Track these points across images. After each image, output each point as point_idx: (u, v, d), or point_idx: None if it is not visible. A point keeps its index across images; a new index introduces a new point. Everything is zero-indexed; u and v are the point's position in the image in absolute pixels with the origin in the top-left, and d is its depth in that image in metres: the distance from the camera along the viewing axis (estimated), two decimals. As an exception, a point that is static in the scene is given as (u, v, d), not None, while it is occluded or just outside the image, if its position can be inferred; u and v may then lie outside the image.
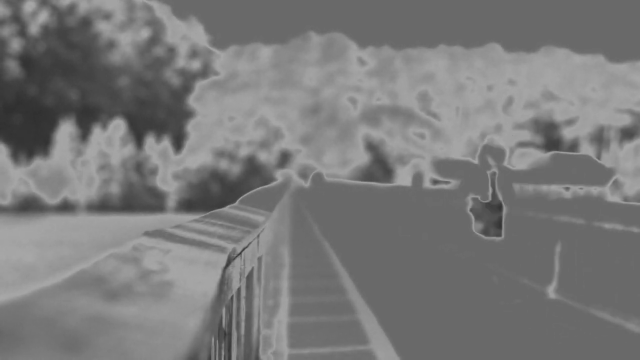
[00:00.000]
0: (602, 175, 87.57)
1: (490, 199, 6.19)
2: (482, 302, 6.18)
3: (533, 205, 7.87)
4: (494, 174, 6.26)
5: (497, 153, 6.36)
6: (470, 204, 6.35)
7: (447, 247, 10.82)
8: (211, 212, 2.12)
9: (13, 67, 65.00)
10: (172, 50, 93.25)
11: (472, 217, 6.37)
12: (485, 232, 6.28)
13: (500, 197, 6.23)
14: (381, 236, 14.00)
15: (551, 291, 6.84)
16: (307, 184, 75.88)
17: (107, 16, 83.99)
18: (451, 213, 10.68)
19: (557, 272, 6.83)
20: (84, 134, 58.53)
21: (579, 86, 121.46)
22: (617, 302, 5.75)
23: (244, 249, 1.84)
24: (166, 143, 63.29)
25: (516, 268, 7.79)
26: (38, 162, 54.91)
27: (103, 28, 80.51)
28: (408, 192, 17.22)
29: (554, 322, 5.49)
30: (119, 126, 59.21)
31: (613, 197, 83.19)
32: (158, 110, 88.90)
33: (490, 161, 6.27)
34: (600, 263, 6.10)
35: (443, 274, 8.16)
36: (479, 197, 6.24)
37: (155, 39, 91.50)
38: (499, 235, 6.28)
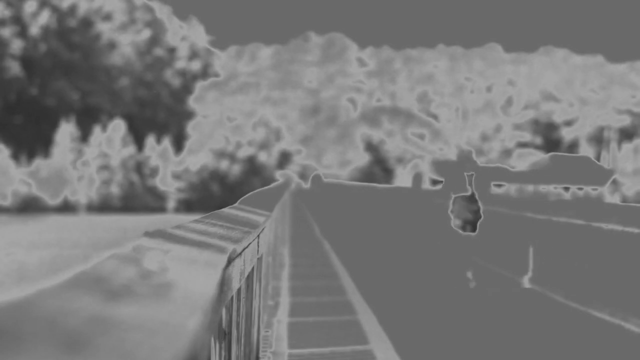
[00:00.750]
0: (601, 176, 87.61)
1: (469, 194, 7.25)
2: (460, 292, 6.91)
3: (504, 202, 8.76)
4: (471, 175, 7.30)
5: (469, 157, 7.54)
6: (450, 205, 7.38)
7: (433, 242, 11.95)
8: (211, 212, 2.14)
9: (14, 68, 65.05)
10: (172, 51, 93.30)
11: (452, 216, 7.34)
12: (463, 228, 7.27)
13: (477, 195, 7.31)
14: (375, 233, 14.65)
15: (526, 281, 7.59)
16: (307, 185, 75.90)
17: (107, 17, 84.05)
18: (436, 211, 11.56)
19: (530, 264, 7.62)
20: (85, 134, 58.56)
21: (578, 87, 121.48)
22: (583, 292, 6.39)
23: (244, 250, 1.86)
24: (166, 143, 63.32)
25: (492, 259, 8.52)
26: (39, 162, 54.94)
27: (103, 29, 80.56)
28: (403, 193, 17.93)
29: (528, 309, 6.08)
30: (119, 127, 59.23)
31: (612, 198, 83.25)
32: (158, 111, 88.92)
33: (469, 165, 7.30)
34: (566, 254, 6.74)
35: (428, 266, 8.94)
36: (459, 194, 7.26)
37: (155, 40, 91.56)
38: (474, 231, 7.29)
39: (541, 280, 7.25)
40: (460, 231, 7.31)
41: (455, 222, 7.33)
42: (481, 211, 7.32)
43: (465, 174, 7.32)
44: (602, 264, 6.11)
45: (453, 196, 7.36)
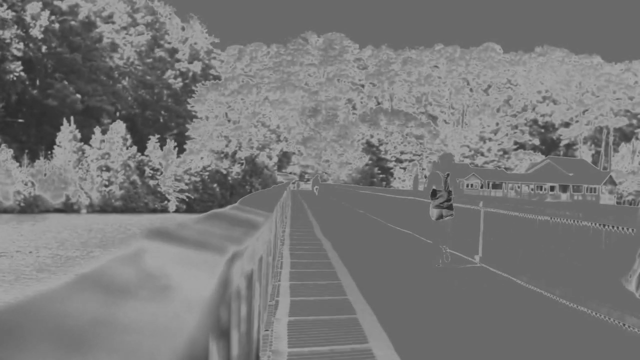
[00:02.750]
0: (597, 177, 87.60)
1: (445, 191, 8.91)
2: (433, 269, 8.95)
3: (468, 199, 10.99)
4: (447, 175, 8.93)
5: (450, 161, 9.29)
6: (431, 199, 9.04)
7: (414, 231, 14.60)
8: (211, 212, 2.16)
9: (16, 69, 65.11)
10: (173, 52, 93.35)
11: (431, 207, 9.09)
12: (439, 218, 9.00)
13: (452, 191, 8.99)
14: (367, 228, 15.84)
15: (477, 260, 9.82)
16: (306, 185, 75.94)
17: (109, 18, 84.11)
18: (419, 207, 13.97)
19: (481, 247, 9.79)
20: (86, 135, 58.61)
21: (576, 88, 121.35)
22: (514, 267, 8.48)
23: (244, 250, 1.89)
24: (167, 144, 63.37)
25: (455, 245, 10.58)
26: (40, 163, 55.00)
27: (105, 30, 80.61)
28: (397, 193, 19.78)
29: (479, 282, 8.01)
30: (120, 128, 59.28)
31: (609, 198, 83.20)
32: (159, 112, 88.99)
33: (445, 167, 8.98)
34: (513, 241, 8.68)
35: (408, 250, 11.30)
36: (437, 190, 8.94)
37: (156, 41, 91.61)
38: (449, 215, 8.96)
39: (486, 260, 9.54)
40: (437, 220, 9.00)
41: (433, 213, 8.99)
42: (452, 205, 9.03)
43: (442, 174, 8.93)
44: (531, 246, 8.03)
45: (434, 191, 9.03)
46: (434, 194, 8.97)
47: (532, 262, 7.93)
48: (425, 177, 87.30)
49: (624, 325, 5.48)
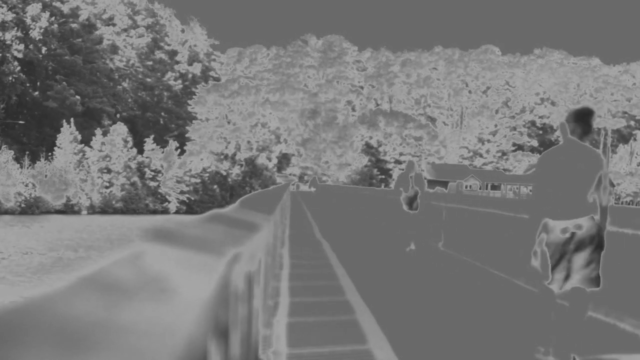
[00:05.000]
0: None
1: (411, 190, 10.91)
2: (403, 253, 10.88)
3: (433, 197, 13.24)
4: (413, 177, 10.96)
5: (412, 167, 11.12)
6: (402, 195, 11.01)
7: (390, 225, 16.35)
8: (211, 213, 2.18)
9: (16, 71, 65.13)
10: (173, 54, 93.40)
11: (403, 203, 11.02)
12: (408, 211, 10.99)
13: (418, 190, 10.96)
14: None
15: (440, 245, 12.00)
16: (306, 186, 75.92)
17: (109, 20, 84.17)
18: (393, 203, 15.43)
19: (443, 234, 12.10)
20: (86, 137, 58.62)
21: (574, 89, 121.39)
22: (467, 250, 10.58)
23: (243, 251, 1.92)
24: (167, 146, 63.39)
25: (425, 234, 12.62)
26: (41, 165, 55.02)
27: (105, 32, 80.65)
28: (382, 193, 21.60)
29: (442, 265, 9.70)
30: (120, 129, 59.29)
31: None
32: (159, 114, 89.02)
33: (411, 171, 10.95)
34: (469, 229, 10.73)
35: (383, 240, 13.10)
36: (405, 190, 10.95)
37: (157, 43, 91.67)
38: (416, 209, 11.04)
39: (448, 245, 11.71)
40: (407, 212, 10.98)
41: (404, 207, 11.02)
42: (419, 200, 11.07)
43: (409, 176, 10.93)
44: (480, 233, 9.98)
45: (403, 190, 11.05)
46: (401, 192, 11.12)
47: (481, 246, 9.97)
48: (425, 178, 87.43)
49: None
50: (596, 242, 4.04)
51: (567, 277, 4.08)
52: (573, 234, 4.03)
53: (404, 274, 8.51)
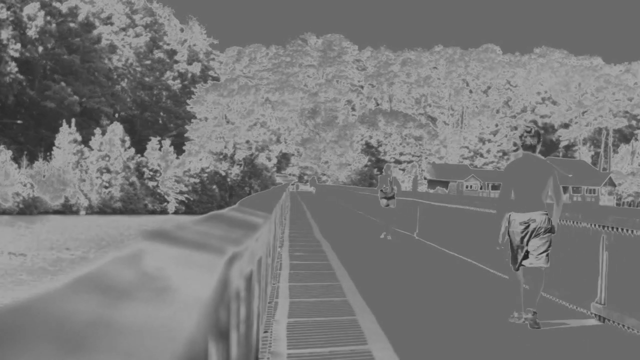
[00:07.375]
0: (596, 178, 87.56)
1: (389, 190, 13.05)
2: (380, 242, 12.82)
3: (408, 194, 15.96)
4: (390, 178, 13.14)
5: (391, 168, 13.50)
6: (380, 194, 13.15)
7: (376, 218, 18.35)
8: (210, 214, 2.15)
9: (13, 70, 65.04)
10: (172, 53, 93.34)
11: (381, 200, 13.16)
12: (386, 206, 13.13)
13: (395, 190, 13.15)
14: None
15: (415, 235, 14.08)
16: (305, 186, 75.91)
17: (107, 19, 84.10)
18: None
19: (418, 226, 14.11)
20: (85, 137, 58.57)
21: (575, 89, 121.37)
22: (437, 238, 12.35)
23: (243, 251, 1.88)
24: (166, 146, 63.33)
25: (401, 225, 15.03)
26: (39, 165, 54.97)
27: (104, 31, 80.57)
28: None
29: (418, 253, 11.35)
30: (119, 129, 59.25)
31: (608, 199, 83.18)
32: (158, 113, 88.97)
33: (390, 172, 13.26)
34: (440, 221, 12.47)
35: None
36: (384, 190, 13.07)
37: (155, 42, 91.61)
38: (393, 205, 13.18)
39: (422, 235, 13.69)
40: (384, 207, 13.12)
41: (382, 202, 13.13)
42: (395, 198, 13.21)
43: (388, 178, 13.13)
44: (449, 226, 11.61)
45: (382, 190, 13.15)
46: (381, 190, 13.27)
47: (451, 236, 11.51)
48: (425, 178, 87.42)
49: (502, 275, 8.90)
50: (547, 231, 5.25)
51: (524, 257, 5.30)
52: (528, 225, 5.22)
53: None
